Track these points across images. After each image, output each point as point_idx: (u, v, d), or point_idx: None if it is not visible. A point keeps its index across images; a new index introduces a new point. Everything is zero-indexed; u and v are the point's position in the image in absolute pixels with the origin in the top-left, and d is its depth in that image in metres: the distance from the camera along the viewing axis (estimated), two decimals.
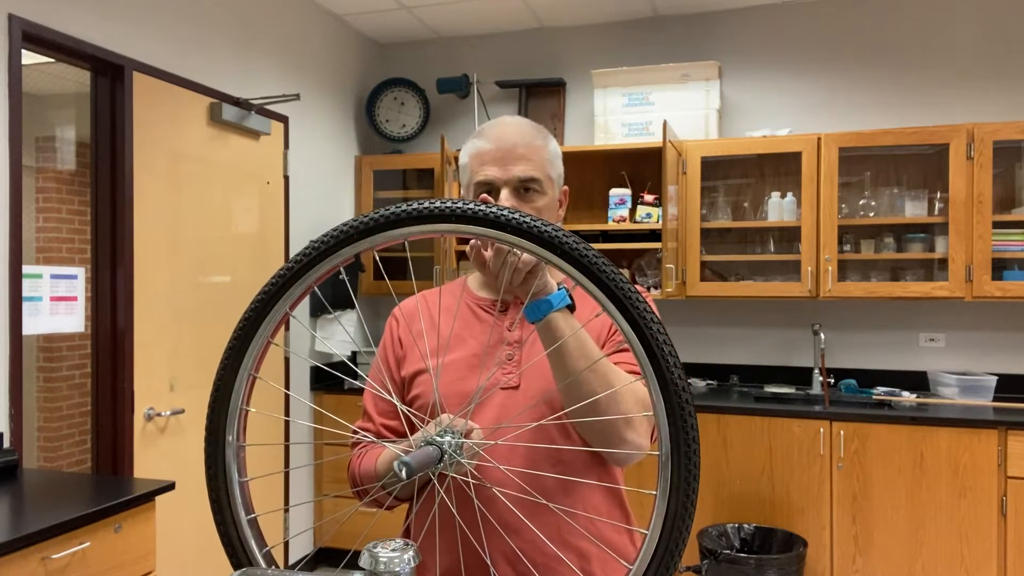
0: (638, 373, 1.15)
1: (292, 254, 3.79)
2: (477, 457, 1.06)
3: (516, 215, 0.82)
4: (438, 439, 0.90)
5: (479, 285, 1.37)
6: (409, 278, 4.43)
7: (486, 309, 1.32)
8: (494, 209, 0.83)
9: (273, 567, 0.89)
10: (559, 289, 1.11)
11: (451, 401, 1.21)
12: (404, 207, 0.85)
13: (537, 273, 1.10)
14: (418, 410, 1.27)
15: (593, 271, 0.80)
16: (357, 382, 3.86)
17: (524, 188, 1.25)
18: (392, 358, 1.34)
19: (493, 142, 1.26)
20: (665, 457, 0.77)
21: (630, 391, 1.12)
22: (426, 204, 0.85)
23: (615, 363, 1.17)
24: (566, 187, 1.36)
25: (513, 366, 1.25)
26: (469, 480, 1.10)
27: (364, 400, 1.35)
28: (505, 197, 1.23)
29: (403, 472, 0.78)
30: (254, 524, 0.91)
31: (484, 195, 1.24)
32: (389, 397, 1.29)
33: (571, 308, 1.11)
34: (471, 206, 0.83)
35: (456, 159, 4.11)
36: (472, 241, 1.12)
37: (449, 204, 0.84)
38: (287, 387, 3.77)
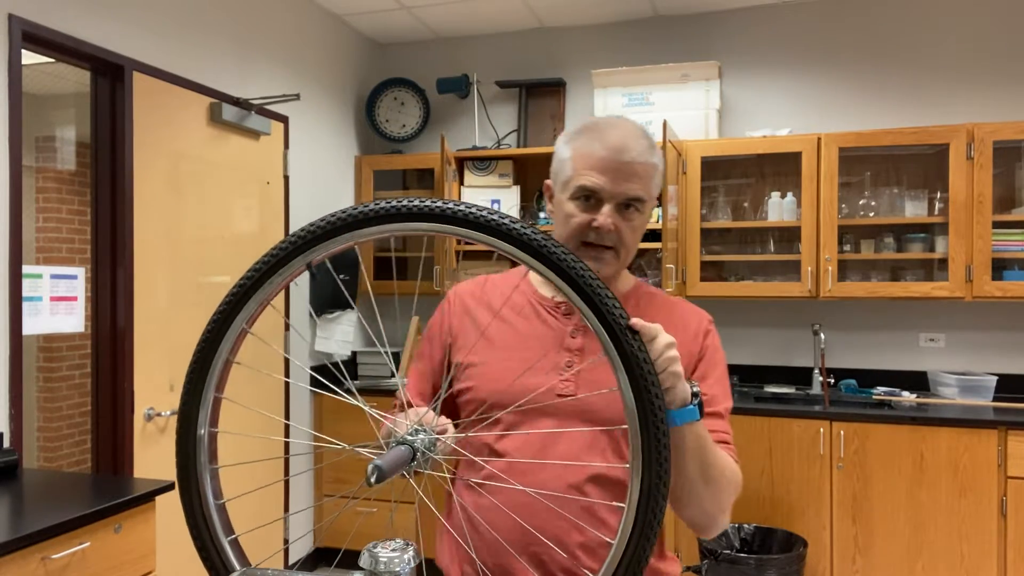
0: (729, 444, 1.19)
1: None
2: (452, 453, 1.06)
3: (484, 212, 0.81)
4: (409, 438, 0.88)
5: (542, 281, 1.31)
6: (407, 278, 4.42)
7: (550, 311, 1.27)
8: (462, 207, 0.82)
9: (271, 568, 0.89)
10: (693, 392, 1.03)
11: (505, 399, 1.18)
12: (363, 207, 0.85)
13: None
14: (467, 403, 1.25)
15: (570, 275, 0.80)
16: (354, 385, 3.85)
17: (627, 205, 1.20)
18: (439, 342, 1.31)
19: (608, 149, 1.19)
20: (635, 432, 0.79)
21: (734, 487, 1.16)
22: (393, 203, 0.84)
23: (709, 430, 1.12)
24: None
25: (572, 374, 1.21)
26: (484, 484, 1.11)
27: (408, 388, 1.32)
28: (608, 212, 1.19)
29: (374, 477, 0.76)
30: (226, 522, 0.90)
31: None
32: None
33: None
34: (439, 204, 0.82)
35: (456, 159, 4.11)
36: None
37: (416, 203, 0.83)
38: (286, 388, 3.76)
